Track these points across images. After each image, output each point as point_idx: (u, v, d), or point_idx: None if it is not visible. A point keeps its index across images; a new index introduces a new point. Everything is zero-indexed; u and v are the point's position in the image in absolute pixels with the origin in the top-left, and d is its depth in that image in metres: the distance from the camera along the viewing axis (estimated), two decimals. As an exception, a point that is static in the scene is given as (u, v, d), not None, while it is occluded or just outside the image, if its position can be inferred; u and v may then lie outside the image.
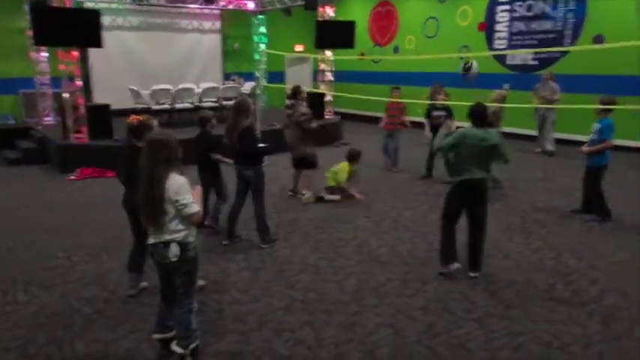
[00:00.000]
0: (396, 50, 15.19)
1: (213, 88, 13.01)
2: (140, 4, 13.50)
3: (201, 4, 13.82)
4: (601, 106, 6.13)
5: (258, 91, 11.97)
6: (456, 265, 4.76)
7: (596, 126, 6.17)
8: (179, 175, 3.23)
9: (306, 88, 11.71)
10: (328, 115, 13.41)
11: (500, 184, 7.51)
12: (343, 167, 7.48)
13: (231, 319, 4.09)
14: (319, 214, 6.80)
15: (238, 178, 5.64)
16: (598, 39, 10.50)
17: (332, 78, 13.95)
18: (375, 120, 11.99)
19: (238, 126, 5.38)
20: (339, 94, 12.99)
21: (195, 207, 3.24)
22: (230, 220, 5.75)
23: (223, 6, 14.59)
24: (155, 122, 4.30)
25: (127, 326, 3.97)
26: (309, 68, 17.35)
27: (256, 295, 4.52)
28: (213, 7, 14.18)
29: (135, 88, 12.32)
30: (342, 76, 15.27)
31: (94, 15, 9.20)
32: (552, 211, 6.79)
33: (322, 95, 13.25)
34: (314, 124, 7.26)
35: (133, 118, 4.27)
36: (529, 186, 8.08)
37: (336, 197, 7.35)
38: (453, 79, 12.45)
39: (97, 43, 9.27)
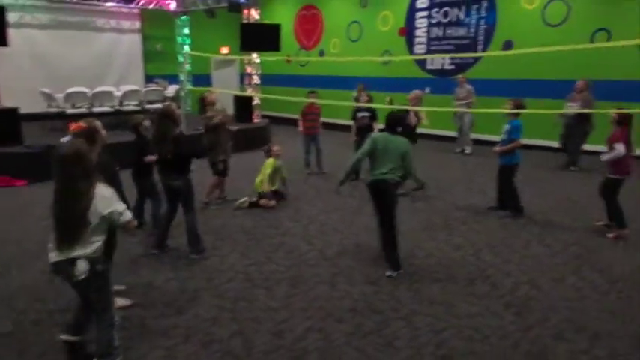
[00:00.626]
0: (321, 54, 15.35)
1: (135, 91, 12.51)
2: (51, 1, 12.70)
3: (118, 2, 13.23)
4: (510, 110, 6.54)
5: (182, 95, 11.63)
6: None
7: (506, 127, 6.58)
8: (104, 185, 3.14)
9: (233, 91, 11.52)
10: (256, 119, 13.30)
11: (423, 185, 7.79)
12: (269, 163, 7.46)
13: (156, 333, 3.93)
14: (248, 220, 6.72)
15: (166, 189, 5.44)
16: (507, 44, 11.20)
17: (259, 81, 13.86)
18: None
19: (168, 135, 5.16)
20: (267, 95, 12.91)
21: (129, 214, 3.21)
22: (162, 228, 5.56)
23: (143, 5, 14.07)
24: (99, 123, 4.09)
25: (36, 350, 3.69)
26: (236, 71, 17.14)
27: (183, 306, 4.37)
28: (132, 5, 13.62)
29: (47, 91, 11.57)
30: (269, 79, 15.22)
31: (-2, 12, 8.56)
32: (471, 210, 7.13)
33: (250, 98, 13.13)
34: (215, 121, 7.01)
35: (77, 126, 3.97)
36: (450, 186, 8.43)
37: (272, 203, 7.25)
38: (377, 83, 12.77)
39: (2, 41, 8.61)
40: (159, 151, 5.24)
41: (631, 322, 4.07)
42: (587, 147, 9.47)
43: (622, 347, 3.70)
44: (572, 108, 8.97)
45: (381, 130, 5.31)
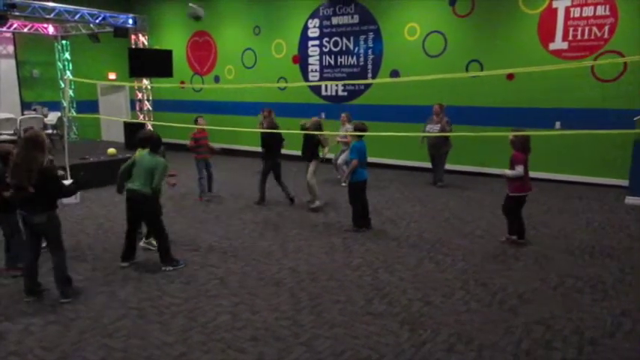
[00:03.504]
0: (217, 79, 15.22)
1: (10, 120, 11.45)
2: None
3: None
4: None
5: (65, 122, 10.86)
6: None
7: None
8: None
9: (123, 117, 11.00)
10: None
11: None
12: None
13: (35, 385, 3.55)
14: (141, 251, 6.36)
15: (26, 227, 4.88)
16: (394, 73, 11.93)
17: (150, 107, 13.37)
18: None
19: (34, 165, 4.60)
20: (160, 123, 12.46)
21: None
22: (29, 275, 4.97)
23: (15, 29, 13.01)
24: None
25: None
26: (126, 97, 16.39)
27: (66, 351, 4.00)
28: (4, 29, 12.53)
29: None
30: (162, 105, 14.75)
31: None
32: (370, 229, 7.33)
33: (142, 125, 12.59)
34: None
35: None
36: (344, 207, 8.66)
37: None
38: (273, 109, 12.90)
39: None
40: (20, 182, 4.61)
41: (512, 333, 4.40)
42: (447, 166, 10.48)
43: (503, 357, 3.99)
44: (433, 130, 9.74)
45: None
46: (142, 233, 6.55)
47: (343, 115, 10.42)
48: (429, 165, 10.68)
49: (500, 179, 7.15)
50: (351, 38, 12.54)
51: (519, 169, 6.24)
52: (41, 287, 5.07)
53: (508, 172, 6.36)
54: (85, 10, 11.37)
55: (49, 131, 11.97)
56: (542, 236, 6.91)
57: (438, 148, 10.07)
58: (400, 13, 11.76)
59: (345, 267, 5.88)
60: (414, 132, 10.24)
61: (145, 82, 13.06)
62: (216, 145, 9.39)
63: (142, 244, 6.49)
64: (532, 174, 6.70)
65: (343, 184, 9.30)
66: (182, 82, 15.21)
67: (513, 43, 10.38)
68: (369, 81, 12.19)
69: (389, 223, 7.62)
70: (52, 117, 13.06)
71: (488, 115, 10.59)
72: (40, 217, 4.74)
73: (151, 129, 10.70)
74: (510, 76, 10.35)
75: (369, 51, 12.32)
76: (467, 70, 10.91)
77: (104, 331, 4.34)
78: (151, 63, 12.16)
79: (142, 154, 5.91)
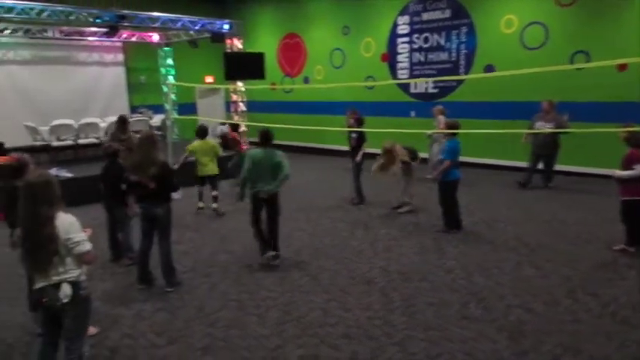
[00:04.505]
0: (306, 80, 15.55)
1: (90, 125, 12.49)
2: (33, 37, 12.73)
3: (100, 37, 13.29)
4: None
5: (168, 124, 11.66)
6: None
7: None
8: (65, 213, 3.17)
9: (220, 119, 11.63)
10: (245, 146, 13.32)
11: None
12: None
13: (147, 367, 3.86)
14: (237, 246, 6.68)
15: (144, 218, 5.29)
16: (489, 68, 11.45)
17: (244, 108, 13.95)
18: (292, 149, 12.20)
19: (154, 161, 5.10)
20: (254, 123, 12.96)
21: (88, 245, 3.19)
22: (142, 263, 5.41)
23: (125, 38, 14.17)
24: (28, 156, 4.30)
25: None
26: (222, 99, 17.24)
27: (174, 336, 4.31)
28: (115, 39, 13.70)
29: (31, 125, 11.54)
30: (255, 107, 15.32)
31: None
32: (462, 233, 7.10)
33: (237, 126, 13.17)
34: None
35: (10, 158, 4.12)
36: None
37: None
38: (361, 108, 12.93)
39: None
40: (142, 178, 5.09)
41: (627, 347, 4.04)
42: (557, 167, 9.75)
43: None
44: (544, 127, 9.11)
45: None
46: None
47: (436, 108, 10.23)
48: (521, 164, 10.08)
49: (608, 180, 6.60)
50: (443, 34, 12.22)
51: (638, 169, 5.66)
52: (152, 276, 5.49)
53: (620, 172, 5.83)
54: (185, 18, 12.13)
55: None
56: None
57: (549, 148, 9.39)
58: (496, 5, 11.26)
59: (438, 269, 5.76)
60: (510, 129, 9.75)
61: (239, 84, 13.65)
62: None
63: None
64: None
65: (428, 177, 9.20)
66: (273, 84, 15.70)
67: (625, 30, 9.54)
68: (462, 77, 11.80)
69: (482, 225, 7.35)
70: (157, 119, 14.06)
71: (596, 110, 9.78)
72: (160, 209, 5.16)
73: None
74: (622, 67, 9.52)
75: (462, 46, 11.92)
76: (571, 62, 10.21)
77: (207, 320, 4.61)
78: (245, 66, 12.68)
79: (255, 153, 5.80)
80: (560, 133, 8.98)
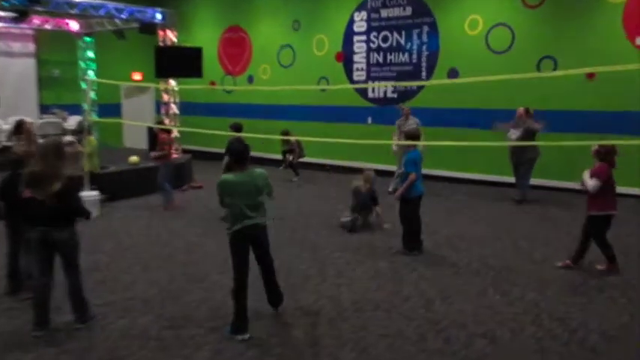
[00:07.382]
0: (250, 80, 15.45)
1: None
2: None
3: (7, 23, 12.70)
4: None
5: (85, 126, 11.22)
6: None
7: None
8: None
9: (149, 122, 11.32)
10: (176, 155, 13.02)
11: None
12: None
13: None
14: (162, 274, 6.45)
15: (41, 245, 4.82)
16: (453, 73, 11.74)
17: (177, 111, 13.65)
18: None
19: (59, 176, 4.71)
20: (187, 129, 12.69)
21: None
22: (40, 302, 4.89)
23: (38, 25, 13.61)
24: None
25: None
26: (151, 100, 16.87)
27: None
28: (24, 26, 13.13)
29: None
30: (190, 109, 15.04)
31: None
32: (423, 254, 7.16)
33: (169, 131, 12.87)
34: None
35: None
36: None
37: None
38: (313, 112, 12.98)
39: None
40: (42, 195, 4.67)
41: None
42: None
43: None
44: (514, 135, 9.41)
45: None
46: None
47: (404, 107, 10.45)
48: (492, 178, 10.39)
49: (581, 195, 6.85)
50: (403, 33, 12.47)
51: (593, 182, 6.03)
52: (48, 319, 4.95)
53: (587, 178, 6.13)
54: (110, 4, 11.77)
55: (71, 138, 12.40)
56: (632, 263, 6.58)
57: (520, 154, 9.67)
58: (460, 4, 11.62)
59: (394, 296, 5.76)
60: (476, 139, 10.01)
61: (172, 83, 13.37)
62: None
63: None
64: (620, 189, 6.42)
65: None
66: (212, 83, 15.49)
67: (593, 37, 10.06)
68: (423, 83, 12.04)
69: (445, 246, 7.46)
70: (72, 121, 13.55)
71: (564, 119, 10.20)
72: (63, 233, 4.80)
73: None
74: (590, 76, 10.00)
75: (424, 47, 12.20)
76: (538, 68, 10.62)
77: (121, 363, 4.39)
78: (179, 62, 12.43)
79: (234, 177, 4.88)
80: (523, 145, 9.23)
